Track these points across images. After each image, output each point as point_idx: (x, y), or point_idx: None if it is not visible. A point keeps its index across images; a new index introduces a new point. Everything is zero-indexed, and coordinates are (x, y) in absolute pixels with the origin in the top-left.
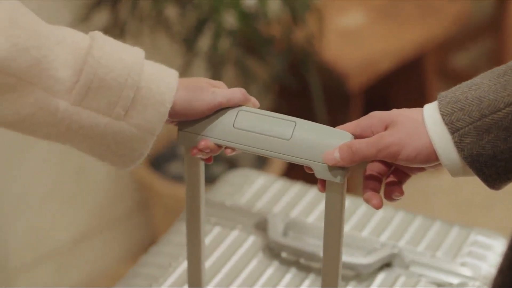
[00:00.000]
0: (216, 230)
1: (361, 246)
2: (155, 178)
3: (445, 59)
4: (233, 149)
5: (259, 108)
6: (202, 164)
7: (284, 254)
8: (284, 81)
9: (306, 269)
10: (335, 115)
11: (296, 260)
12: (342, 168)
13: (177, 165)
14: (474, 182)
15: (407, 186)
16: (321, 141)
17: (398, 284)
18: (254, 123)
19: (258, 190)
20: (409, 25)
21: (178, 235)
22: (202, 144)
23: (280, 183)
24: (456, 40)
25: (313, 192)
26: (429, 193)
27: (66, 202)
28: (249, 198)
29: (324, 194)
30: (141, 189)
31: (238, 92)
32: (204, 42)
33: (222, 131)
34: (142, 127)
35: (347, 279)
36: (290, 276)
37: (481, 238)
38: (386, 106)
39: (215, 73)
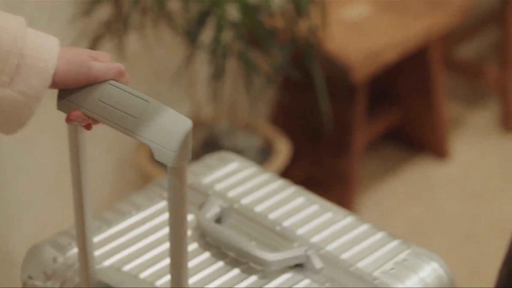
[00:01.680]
0: (161, 204)
1: (281, 242)
2: (158, 170)
3: (450, 50)
4: (97, 121)
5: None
6: (82, 130)
7: (208, 239)
8: (288, 73)
9: (221, 256)
10: (339, 107)
11: (217, 246)
12: (181, 152)
13: None
14: (482, 174)
15: (412, 176)
16: (161, 124)
17: (298, 286)
18: (115, 99)
19: (227, 173)
20: (414, 16)
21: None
22: (73, 114)
23: (251, 170)
24: (461, 31)
25: (279, 182)
26: (435, 184)
27: (70, 197)
28: (212, 180)
29: (288, 186)
30: (144, 181)
31: (114, 68)
32: (207, 34)
33: (90, 103)
34: (27, 93)
35: (250, 272)
36: (202, 258)
37: (412, 258)
38: (390, 97)
39: (218, 66)
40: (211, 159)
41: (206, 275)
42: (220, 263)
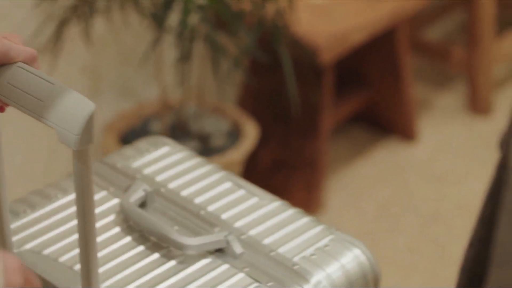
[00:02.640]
0: None
1: (204, 227)
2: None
3: (417, 32)
4: (6, 104)
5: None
6: None
7: (131, 223)
8: (255, 56)
9: (142, 240)
10: (307, 90)
11: (139, 230)
12: (84, 135)
13: None
14: (449, 155)
15: (380, 158)
16: (64, 108)
17: (215, 272)
18: (24, 82)
19: (157, 157)
20: None
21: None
22: None
23: (182, 155)
24: (427, 13)
25: (209, 167)
26: (403, 166)
27: (38, 182)
28: (142, 164)
29: (216, 170)
30: None
31: (28, 51)
32: (174, 18)
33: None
34: None
35: (170, 256)
36: (123, 243)
37: (334, 244)
38: (358, 80)
39: (185, 49)
40: (143, 143)
41: (125, 259)
42: (141, 248)
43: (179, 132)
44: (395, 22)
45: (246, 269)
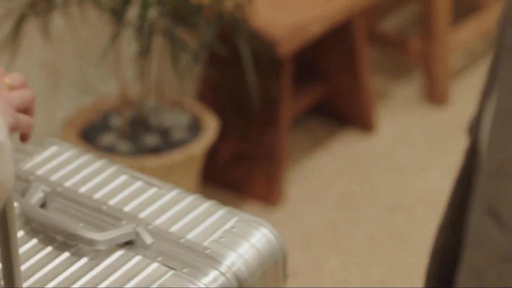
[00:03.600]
0: None
1: (109, 221)
2: (87, 147)
3: (374, 23)
4: None
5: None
6: None
7: (34, 224)
8: (215, 49)
9: (49, 241)
10: (266, 82)
11: (43, 231)
12: None
13: (109, 136)
14: (407, 146)
15: (339, 150)
16: None
17: (129, 264)
18: None
19: (47, 158)
20: None
21: None
22: None
23: (72, 153)
24: (383, 4)
25: (100, 162)
26: (362, 157)
27: None
28: (33, 165)
29: (109, 165)
30: None
31: (30, 98)
32: (133, 12)
33: None
34: None
35: (81, 254)
36: (30, 245)
37: (240, 225)
38: (316, 72)
39: (145, 44)
40: (29, 145)
41: (35, 261)
42: (49, 248)
43: (139, 126)
44: (351, 13)
45: (159, 258)
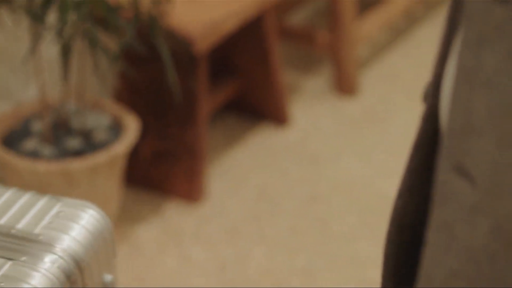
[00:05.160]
0: None
1: None
2: (9, 156)
3: (282, 17)
4: None
5: None
6: None
7: None
8: (134, 49)
9: None
10: (183, 80)
11: None
12: None
13: (31, 141)
14: (321, 136)
15: (255, 144)
16: None
17: None
18: None
19: None
20: None
21: None
22: None
23: None
24: None
25: None
26: (277, 150)
27: None
28: None
29: None
30: None
31: None
32: (53, 15)
33: None
34: None
35: None
36: None
37: (66, 209)
38: (229, 68)
39: (65, 47)
40: None
41: None
42: None
43: (61, 130)
44: (263, 8)
45: None
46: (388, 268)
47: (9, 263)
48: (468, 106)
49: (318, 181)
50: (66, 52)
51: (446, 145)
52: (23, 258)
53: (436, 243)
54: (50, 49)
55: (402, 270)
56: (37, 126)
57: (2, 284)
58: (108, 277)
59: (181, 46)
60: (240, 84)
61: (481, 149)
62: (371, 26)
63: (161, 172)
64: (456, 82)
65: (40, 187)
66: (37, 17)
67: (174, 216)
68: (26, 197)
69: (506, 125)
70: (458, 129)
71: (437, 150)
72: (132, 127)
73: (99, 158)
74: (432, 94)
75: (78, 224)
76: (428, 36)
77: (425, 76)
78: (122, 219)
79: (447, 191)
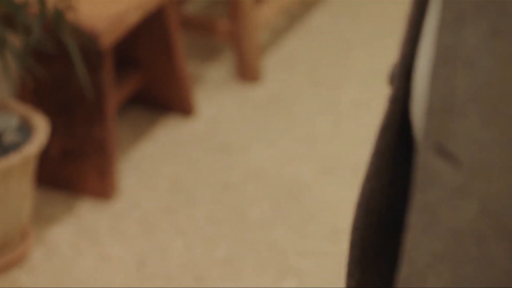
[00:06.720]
0: None
1: None
2: None
3: (181, 7)
4: None
5: None
6: None
7: None
8: (41, 46)
9: None
10: (90, 75)
11: None
12: None
13: None
14: (227, 125)
15: (163, 137)
16: None
17: None
18: None
19: None
20: None
21: None
22: None
23: None
24: None
25: None
26: (186, 141)
27: None
28: None
29: None
30: None
31: None
32: None
33: None
34: None
35: None
36: None
37: None
38: (132, 60)
39: None
40: None
41: None
42: None
43: None
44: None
45: None
46: (354, 254)
47: None
48: (450, 86)
49: (230, 169)
50: None
51: (426, 127)
52: None
53: (418, 226)
54: None
55: (369, 256)
56: None
57: None
58: None
59: (87, 41)
60: (144, 76)
61: (465, 129)
62: (269, 12)
63: (71, 170)
64: (435, 61)
65: None
66: None
67: (88, 214)
68: None
69: (490, 104)
70: (439, 109)
71: (406, 133)
72: (41, 126)
73: (12, 160)
74: (401, 75)
75: None
76: (322, 21)
77: (325, 60)
78: (36, 221)
79: (428, 173)
